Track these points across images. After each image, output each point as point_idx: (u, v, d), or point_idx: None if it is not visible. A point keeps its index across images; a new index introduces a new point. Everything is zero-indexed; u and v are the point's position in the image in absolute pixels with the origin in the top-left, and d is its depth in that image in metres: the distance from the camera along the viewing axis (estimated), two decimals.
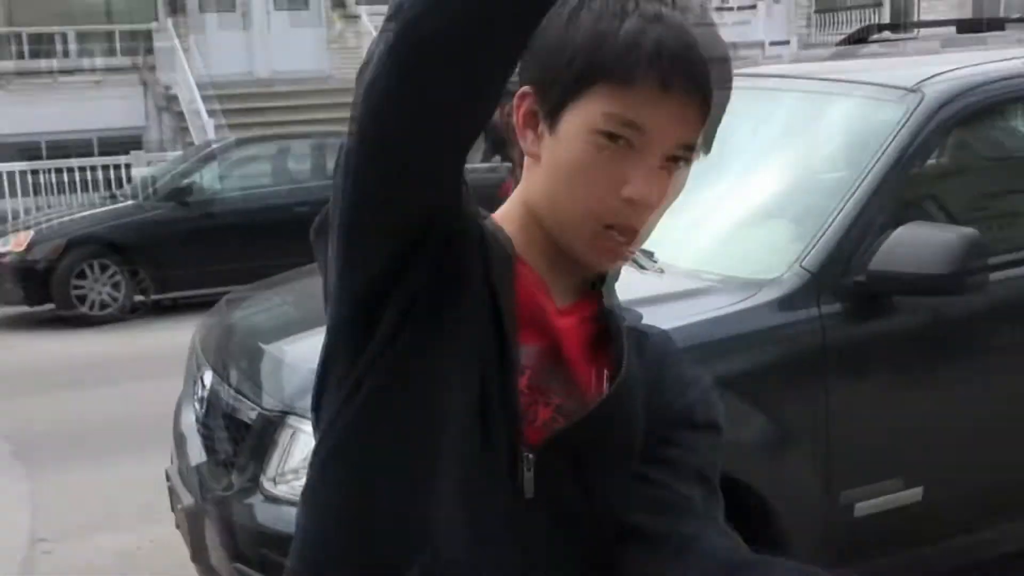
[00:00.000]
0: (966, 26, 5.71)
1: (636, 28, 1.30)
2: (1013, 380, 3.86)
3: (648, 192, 1.34)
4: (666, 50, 1.29)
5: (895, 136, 3.68)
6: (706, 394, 1.57)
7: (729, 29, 21.52)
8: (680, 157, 1.35)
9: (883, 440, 3.61)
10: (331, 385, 1.40)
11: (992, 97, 3.98)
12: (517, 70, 1.35)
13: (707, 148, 1.39)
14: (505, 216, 1.46)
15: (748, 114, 4.55)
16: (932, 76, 3.87)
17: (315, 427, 1.46)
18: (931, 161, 4.43)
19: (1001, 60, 4.11)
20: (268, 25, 20.62)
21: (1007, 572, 4.27)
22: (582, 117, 1.33)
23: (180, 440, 4.09)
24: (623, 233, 1.36)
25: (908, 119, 3.72)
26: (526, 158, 1.42)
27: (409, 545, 1.33)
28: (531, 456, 1.35)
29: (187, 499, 3.71)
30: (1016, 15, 6.14)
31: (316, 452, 1.42)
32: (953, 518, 3.77)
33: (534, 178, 1.41)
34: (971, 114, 3.94)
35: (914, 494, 3.66)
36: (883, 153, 3.65)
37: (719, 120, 1.35)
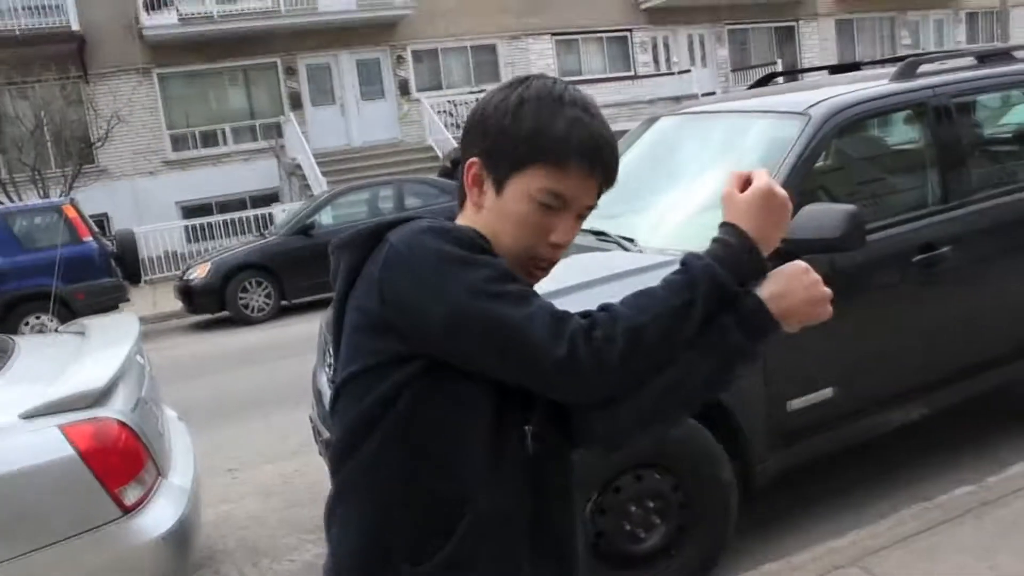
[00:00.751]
0: (835, 69, 5.66)
1: (566, 126, 1.32)
2: (887, 310, 3.80)
3: (568, 238, 1.38)
4: (590, 144, 1.33)
5: (793, 145, 3.63)
6: None
7: (673, 86, 21.44)
8: (587, 213, 1.40)
9: (805, 359, 3.55)
10: (354, 392, 1.35)
11: (857, 114, 3.91)
12: (461, 140, 1.44)
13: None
14: None
15: (694, 136, 4.51)
16: (816, 102, 3.81)
17: (334, 424, 1.41)
18: (820, 162, 4.38)
19: (859, 90, 4.04)
20: (357, 110, 20.70)
21: (895, 441, 4.22)
22: (523, 187, 1.34)
23: (318, 395, 4.09)
24: (546, 263, 1.41)
25: (801, 133, 3.67)
26: (468, 201, 1.41)
27: (459, 500, 1.31)
28: (529, 428, 1.36)
29: (326, 433, 3.69)
30: (867, 60, 6.07)
31: (357, 447, 1.35)
32: (853, 408, 3.71)
33: (479, 219, 1.39)
34: (844, 126, 3.87)
35: (826, 393, 3.61)
36: (786, 157, 3.60)
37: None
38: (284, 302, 11.52)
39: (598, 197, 1.39)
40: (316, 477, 4.73)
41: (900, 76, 4.14)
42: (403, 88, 21.04)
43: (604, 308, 1.27)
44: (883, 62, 4.61)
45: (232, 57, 19.85)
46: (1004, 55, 4.92)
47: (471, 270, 1.26)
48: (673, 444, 3.18)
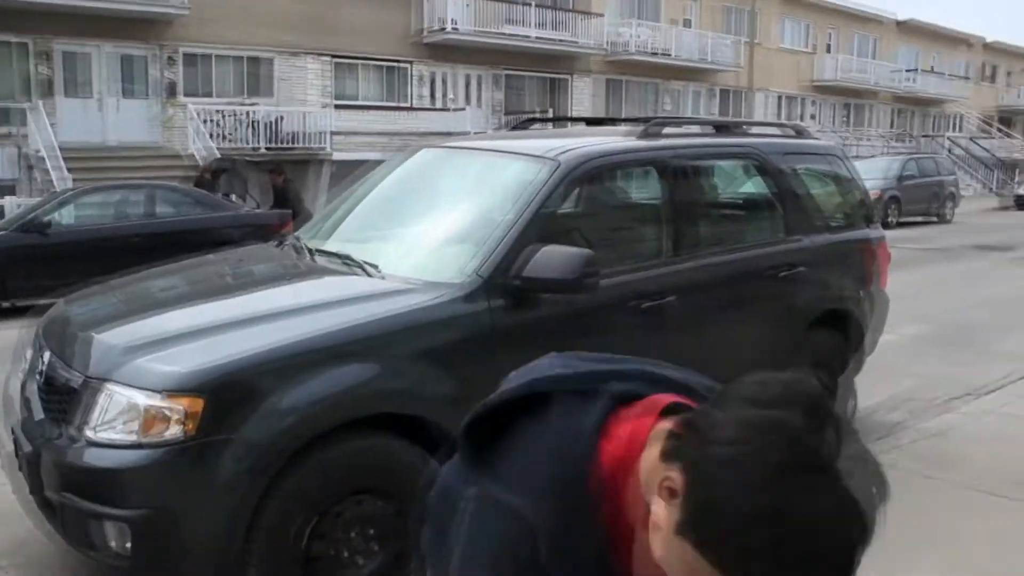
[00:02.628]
0: (592, 121, 5.97)
1: None
2: (613, 347, 3.98)
3: None
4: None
5: (541, 189, 3.77)
6: None
7: (447, 122, 21.80)
8: None
9: None
10: None
11: (602, 165, 4.13)
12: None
13: None
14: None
15: (451, 170, 4.58)
16: (565, 150, 3.99)
17: None
18: (569, 207, 4.58)
19: (607, 143, 4.27)
20: (116, 107, 19.44)
21: None
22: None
23: (8, 402, 3.75)
24: None
25: (549, 177, 3.82)
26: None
27: None
28: None
29: (27, 447, 3.39)
30: (624, 116, 6.48)
31: None
32: None
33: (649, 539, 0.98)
34: (590, 175, 4.07)
35: None
36: (533, 199, 3.73)
37: None
38: (4, 303, 10.50)
39: None
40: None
41: (645, 134, 4.42)
42: (170, 90, 20.02)
43: None
44: (636, 120, 4.91)
45: None
46: (737, 127, 5.40)
47: None
48: (397, 470, 3.18)
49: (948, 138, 40.79)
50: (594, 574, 1.06)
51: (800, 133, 5.59)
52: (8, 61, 18.89)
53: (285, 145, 19.39)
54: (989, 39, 47.19)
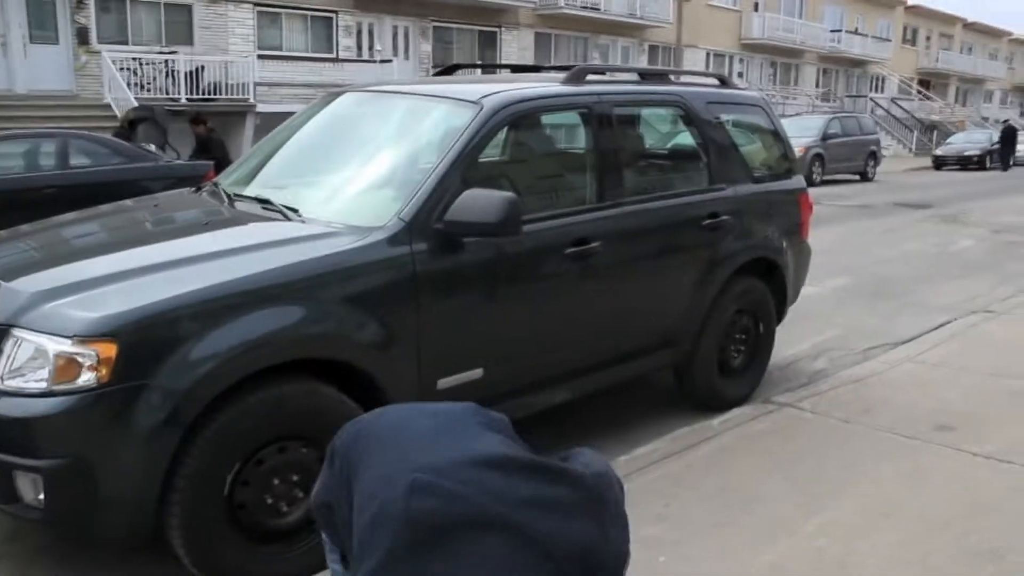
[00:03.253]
0: (517, 68, 5.92)
1: None
2: (540, 298, 4.01)
3: None
4: None
5: (464, 131, 3.74)
6: None
7: (373, 74, 21.42)
8: None
9: (459, 339, 3.66)
10: None
11: (526, 109, 4.10)
12: None
13: None
14: None
15: (373, 113, 4.50)
16: (489, 94, 3.95)
17: None
18: (497, 155, 4.55)
19: (530, 87, 4.24)
20: (24, 52, 18.58)
21: (536, 425, 4.47)
22: None
23: None
24: None
25: (472, 121, 3.78)
26: None
27: None
28: None
29: None
30: (551, 64, 6.38)
31: None
32: (502, 389, 3.86)
33: None
34: (513, 119, 4.04)
35: (477, 373, 3.74)
36: (455, 142, 3.69)
37: None
38: None
39: None
40: None
41: (569, 80, 4.41)
42: (82, 36, 19.21)
43: None
44: (561, 68, 4.88)
45: None
46: (663, 76, 5.41)
47: None
48: (319, 416, 3.16)
49: (870, 99, 41.66)
50: None
51: (724, 83, 5.63)
52: None
53: (207, 96, 18.81)
54: (911, 2, 48.09)
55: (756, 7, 37.46)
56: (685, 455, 4.23)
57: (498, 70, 6.69)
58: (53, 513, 2.87)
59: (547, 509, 1.52)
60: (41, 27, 18.94)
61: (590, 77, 4.56)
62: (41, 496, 2.85)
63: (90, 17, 19.42)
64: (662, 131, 5.42)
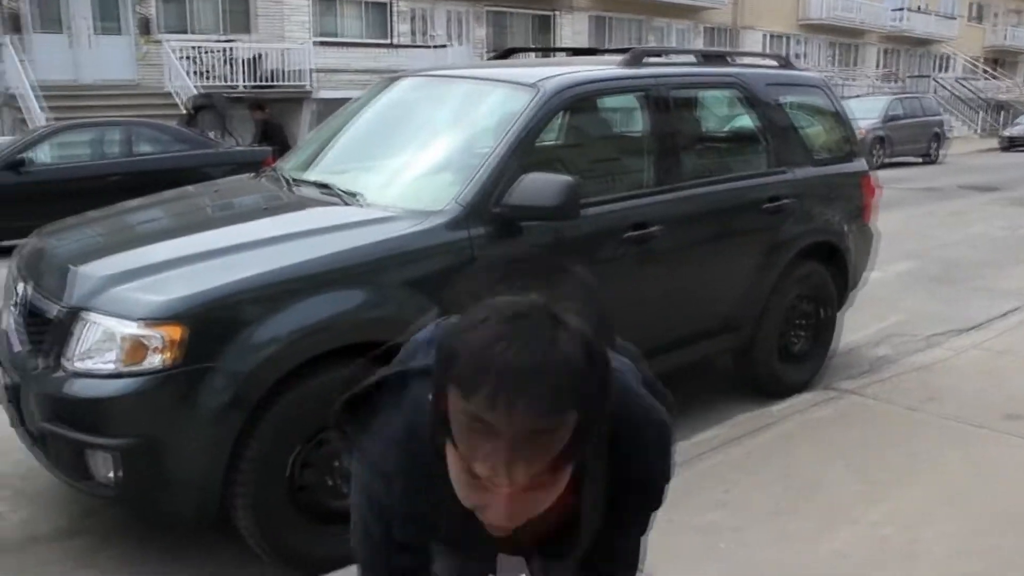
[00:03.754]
0: (575, 51, 5.89)
1: None
2: (597, 278, 3.98)
3: None
4: None
5: (521, 115, 3.73)
6: None
7: (429, 59, 21.49)
8: None
9: None
10: None
11: (583, 92, 4.08)
12: None
13: None
14: None
15: (432, 98, 4.52)
16: (546, 77, 3.94)
17: None
18: (554, 138, 4.54)
19: (588, 71, 4.22)
20: (89, 44, 19.02)
21: None
22: None
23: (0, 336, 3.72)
24: None
25: (529, 104, 3.77)
26: None
27: None
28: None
29: (9, 379, 3.37)
30: (607, 47, 6.32)
31: None
32: None
33: None
34: (571, 102, 4.02)
35: None
36: (513, 126, 3.69)
37: None
38: None
39: None
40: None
41: (627, 63, 4.37)
42: (144, 26, 19.58)
43: None
44: (618, 51, 4.84)
45: None
46: (721, 57, 5.33)
47: None
48: None
49: (934, 79, 40.60)
50: (430, 511, 1.36)
51: (784, 64, 5.54)
52: None
53: (266, 83, 19.06)
54: None
55: None
56: (745, 441, 4.19)
57: (554, 54, 6.65)
58: (125, 490, 2.94)
59: None
60: (106, 18, 19.35)
61: (648, 60, 4.52)
62: (112, 474, 2.92)
63: (152, 8, 19.77)
64: (721, 114, 5.35)
